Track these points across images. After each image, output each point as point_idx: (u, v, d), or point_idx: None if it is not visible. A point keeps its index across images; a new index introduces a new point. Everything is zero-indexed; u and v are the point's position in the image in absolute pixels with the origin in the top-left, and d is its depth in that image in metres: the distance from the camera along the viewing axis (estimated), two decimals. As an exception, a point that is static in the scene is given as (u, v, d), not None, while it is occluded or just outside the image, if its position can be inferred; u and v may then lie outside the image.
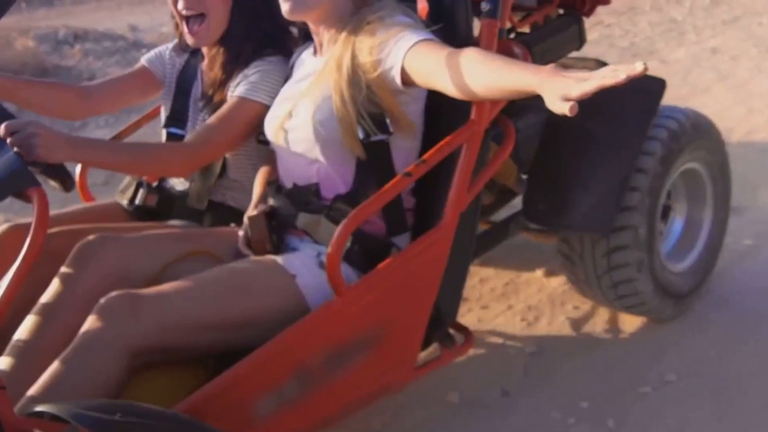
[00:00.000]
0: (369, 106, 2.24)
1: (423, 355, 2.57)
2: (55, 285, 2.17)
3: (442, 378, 2.96)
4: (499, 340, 3.31)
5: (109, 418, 1.64)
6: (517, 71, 1.81)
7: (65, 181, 2.24)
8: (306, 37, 2.56)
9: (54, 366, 1.98)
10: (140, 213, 2.80)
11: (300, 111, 2.33)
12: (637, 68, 1.49)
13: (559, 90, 1.61)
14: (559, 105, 1.61)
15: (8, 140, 2.08)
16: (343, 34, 2.29)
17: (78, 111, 2.79)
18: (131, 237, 2.32)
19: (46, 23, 8.94)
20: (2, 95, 2.63)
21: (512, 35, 3.11)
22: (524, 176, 3.09)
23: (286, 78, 2.55)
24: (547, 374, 3.07)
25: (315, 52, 2.46)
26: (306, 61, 2.49)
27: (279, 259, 2.28)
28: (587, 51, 5.82)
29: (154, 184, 2.84)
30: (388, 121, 2.27)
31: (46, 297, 2.16)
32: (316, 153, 2.32)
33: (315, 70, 2.38)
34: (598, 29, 8.29)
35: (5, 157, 2.03)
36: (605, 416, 2.82)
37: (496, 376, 3.06)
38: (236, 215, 2.64)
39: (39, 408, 1.72)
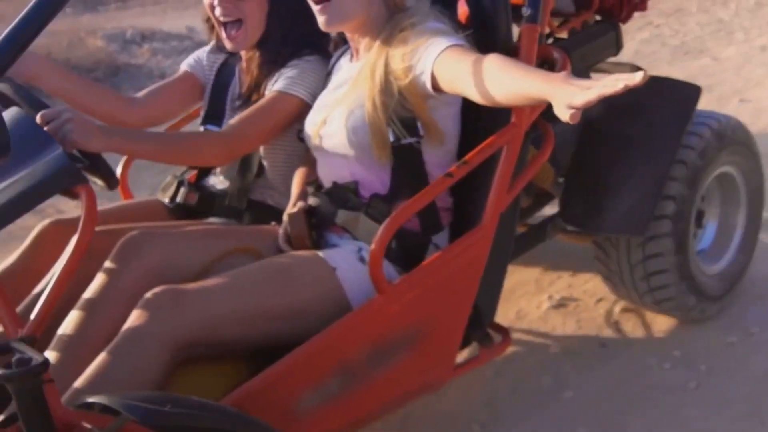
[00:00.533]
0: (401, 111, 2.28)
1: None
2: (98, 280, 2.21)
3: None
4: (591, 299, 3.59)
5: (159, 409, 1.68)
6: (531, 79, 1.84)
7: (108, 178, 2.25)
8: (345, 39, 2.61)
9: (99, 359, 2.02)
10: (181, 211, 2.85)
11: (334, 118, 2.38)
12: (636, 78, 1.51)
13: (565, 98, 1.64)
14: (563, 112, 1.64)
15: (45, 128, 2.10)
16: (378, 42, 2.34)
17: (129, 120, 2.81)
18: (174, 233, 2.36)
19: (112, 24, 9.12)
20: (66, 91, 2.67)
21: (551, 40, 3.14)
22: (561, 180, 3.12)
23: (325, 82, 2.60)
24: (641, 329, 3.31)
25: (351, 58, 2.50)
26: (343, 67, 2.54)
27: (320, 252, 2.32)
28: (641, 48, 6.33)
29: (195, 182, 2.89)
30: (419, 125, 2.31)
31: (89, 292, 2.19)
32: (352, 158, 2.37)
33: (350, 76, 2.42)
34: (649, 29, 8.47)
35: (52, 155, 2.06)
36: (697, 362, 3.12)
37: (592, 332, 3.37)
38: (275, 214, 2.68)
39: (89, 399, 1.76)
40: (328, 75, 2.61)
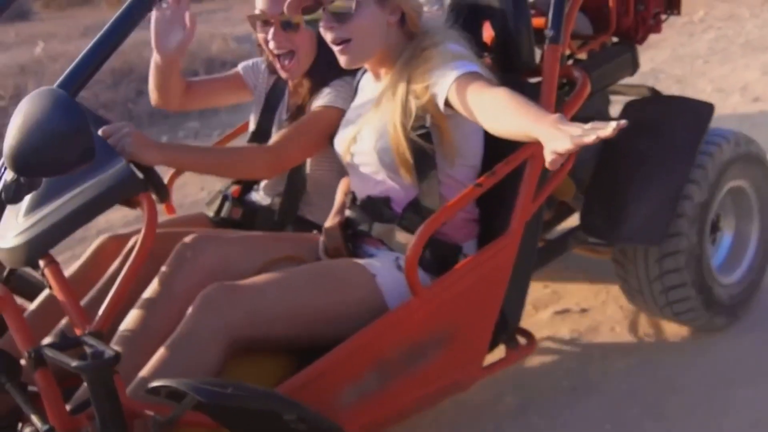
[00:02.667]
0: (421, 129, 2.42)
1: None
2: (158, 281, 2.37)
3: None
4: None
5: (222, 391, 1.84)
6: (526, 119, 1.97)
7: (160, 190, 2.39)
8: None
9: (160, 352, 2.18)
10: (225, 224, 3.01)
11: (364, 137, 2.53)
12: (608, 130, 1.68)
13: (550, 143, 1.79)
14: (547, 155, 1.80)
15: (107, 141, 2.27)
16: (399, 63, 2.49)
17: (176, 101, 3.01)
18: (228, 238, 2.52)
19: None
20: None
21: (571, 61, 3.31)
22: (581, 194, 3.28)
23: (353, 98, 2.77)
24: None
25: (375, 78, 2.65)
26: (367, 86, 2.69)
27: (360, 260, 2.48)
28: (713, 45, 7.84)
29: (238, 197, 3.06)
30: (435, 140, 2.45)
31: (149, 292, 2.35)
32: (382, 175, 2.53)
33: (375, 96, 2.57)
34: (713, 31, 9.34)
35: (115, 167, 2.24)
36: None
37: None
38: (314, 228, 2.86)
39: (156, 383, 1.91)
40: (355, 93, 2.77)
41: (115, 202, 2.25)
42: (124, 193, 2.22)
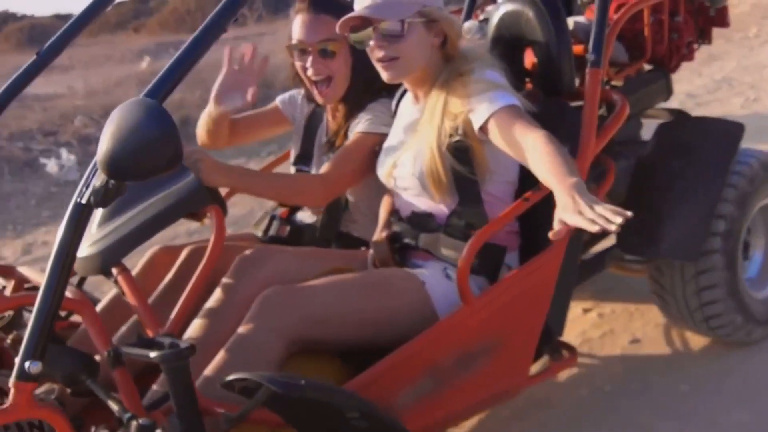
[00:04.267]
0: (457, 149, 2.54)
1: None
2: (219, 291, 2.49)
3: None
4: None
5: (296, 383, 1.96)
6: (551, 176, 2.12)
7: (222, 206, 2.50)
8: None
9: (224, 351, 2.30)
10: (273, 243, 3.12)
11: (404, 162, 2.66)
12: (612, 225, 1.88)
13: (560, 212, 1.96)
14: (556, 222, 1.96)
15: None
16: (438, 85, 2.61)
17: (223, 142, 3.15)
18: (284, 251, 2.66)
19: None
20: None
21: (607, 87, 3.44)
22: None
23: (392, 120, 2.88)
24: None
25: (412, 99, 2.78)
26: (406, 110, 2.81)
27: (410, 270, 2.61)
28: None
29: (286, 217, 3.20)
30: (473, 160, 2.57)
31: (211, 302, 2.48)
32: (424, 196, 2.64)
33: (414, 120, 2.70)
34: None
35: (184, 180, 2.39)
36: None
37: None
38: (359, 244, 2.98)
39: (232, 377, 2.01)
40: (394, 115, 2.90)
41: (184, 213, 2.39)
42: (193, 205, 2.37)
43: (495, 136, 2.42)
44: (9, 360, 2.50)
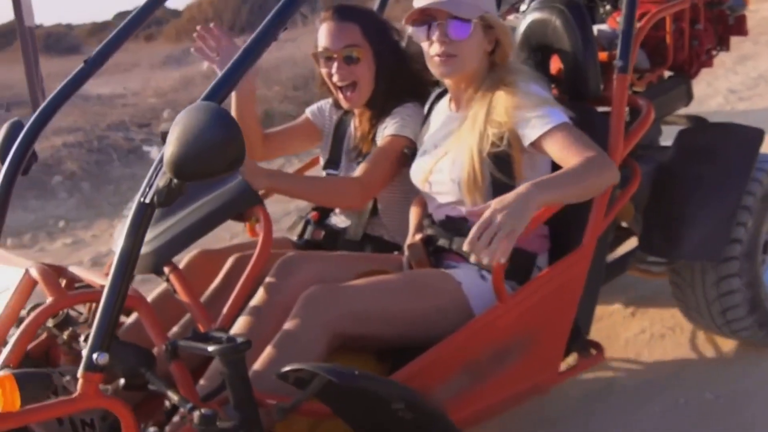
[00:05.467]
0: (497, 156, 2.65)
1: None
2: (262, 292, 2.58)
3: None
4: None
5: (350, 372, 2.06)
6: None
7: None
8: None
9: (269, 348, 2.39)
10: (308, 247, 3.23)
11: (442, 168, 2.75)
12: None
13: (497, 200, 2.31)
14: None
15: None
16: (480, 92, 2.72)
17: (258, 152, 3.26)
18: (323, 255, 2.77)
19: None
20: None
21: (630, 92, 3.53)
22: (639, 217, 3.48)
23: (423, 122, 2.99)
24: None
25: (451, 105, 2.88)
26: (442, 113, 2.91)
27: (447, 270, 2.70)
28: None
29: (318, 221, 3.29)
30: (513, 167, 2.68)
31: (255, 301, 2.56)
32: (461, 202, 2.74)
33: (453, 126, 2.79)
34: None
35: (233, 182, 2.48)
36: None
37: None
38: (391, 247, 3.07)
39: (287, 368, 2.10)
40: (426, 117, 3.00)
41: (233, 214, 2.49)
42: (242, 206, 2.47)
43: (548, 150, 2.58)
44: (56, 358, 2.59)
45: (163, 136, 2.80)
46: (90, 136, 8.94)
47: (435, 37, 2.66)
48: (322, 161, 3.36)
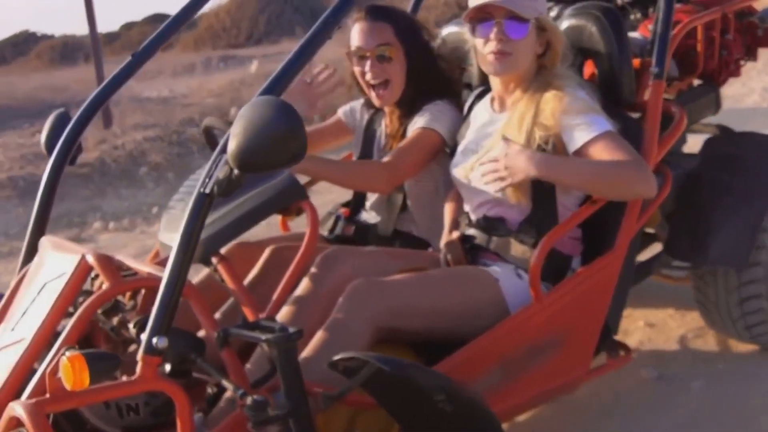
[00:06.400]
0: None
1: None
2: (305, 284, 2.63)
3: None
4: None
5: (400, 361, 2.12)
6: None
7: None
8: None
9: (315, 339, 2.45)
10: (339, 242, 3.28)
11: (483, 167, 2.78)
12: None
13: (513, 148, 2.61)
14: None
15: None
16: (528, 94, 2.78)
17: None
18: (361, 251, 2.83)
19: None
20: None
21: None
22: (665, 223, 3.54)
23: (462, 123, 3.05)
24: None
25: (493, 104, 2.94)
26: (484, 113, 2.96)
27: (484, 268, 2.76)
28: None
29: (349, 216, 3.36)
30: None
31: (298, 293, 2.62)
32: (499, 201, 2.80)
33: (497, 126, 2.85)
34: None
35: (280, 176, 2.55)
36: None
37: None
38: (421, 243, 3.14)
39: (338, 357, 2.17)
40: (466, 116, 3.06)
41: (280, 207, 2.56)
42: (289, 199, 2.54)
43: (591, 156, 2.65)
44: (97, 344, 2.65)
45: (206, 132, 2.88)
46: (167, 131, 9.50)
47: (492, 35, 2.72)
48: (354, 158, 3.43)
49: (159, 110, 10.86)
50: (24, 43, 26.92)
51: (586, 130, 2.65)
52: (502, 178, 2.64)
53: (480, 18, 2.75)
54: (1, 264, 6.05)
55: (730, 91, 3.48)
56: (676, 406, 3.37)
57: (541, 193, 2.74)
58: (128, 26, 32.47)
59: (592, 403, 3.39)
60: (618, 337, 3.07)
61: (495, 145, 2.78)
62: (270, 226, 3.61)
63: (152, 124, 9.89)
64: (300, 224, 3.53)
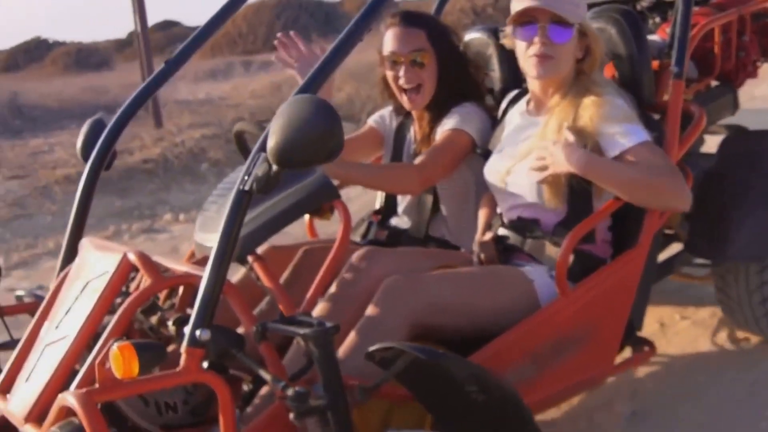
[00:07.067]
0: None
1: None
2: (339, 282, 2.69)
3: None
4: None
5: (436, 351, 2.18)
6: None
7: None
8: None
9: (354, 332, 2.51)
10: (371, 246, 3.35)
11: (520, 171, 2.86)
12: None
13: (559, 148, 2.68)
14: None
15: None
16: (566, 99, 2.83)
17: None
18: (396, 251, 2.88)
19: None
20: None
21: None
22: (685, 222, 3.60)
23: (496, 127, 3.11)
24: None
25: (528, 108, 3.00)
26: (520, 116, 3.02)
27: (518, 268, 2.81)
28: None
29: (381, 222, 3.41)
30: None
31: (332, 290, 2.67)
32: (534, 205, 2.86)
33: (534, 129, 2.90)
34: None
35: (313, 176, 2.60)
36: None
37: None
38: (453, 248, 3.18)
39: (375, 347, 2.22)
40: (500, 120, 3.12)
41: (313, 207, 2.61)
42: (322, 199, 2.59)
43: (626, 162, 2.70)
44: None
45: (237, 136, 2.95)
46: (222, 129, 9.95)
47: (536, 38, 2.77)
48: (385, 162, 3.49)
49: (206, 111, 11.63)
50: (36, 50, 27.17)
51: (624, 138, 2.70)
52: (545, 167, 2.69)
53: (524, 21, 2.80)
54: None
55: (759, 91, 3.51)
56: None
57: (576, 198, 2.79)
58: (134, 34, 32.87)
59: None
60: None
61: (531, 152, 2.82)
62: (303, 226, 3.68)
63: (205, 123, 10.56)
64: (326, 231, 3.62)
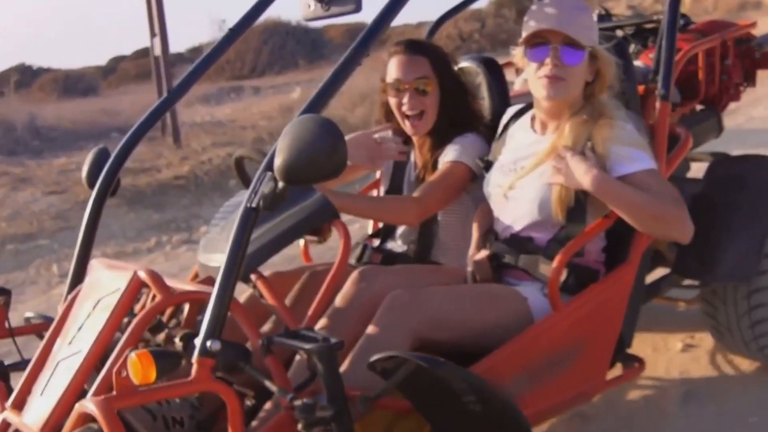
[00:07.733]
0: None
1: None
2: (340, 299, 2.76)
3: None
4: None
5: (437, 359, 2.25)
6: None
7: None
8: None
9: (357, 347, 2.57)
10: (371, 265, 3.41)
11: (523, 187, 2.92)
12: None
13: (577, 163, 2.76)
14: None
15: None
16: (574, 120, 2.87)
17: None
18: (394, 269, 2.95)
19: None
20: None
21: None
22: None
23: (498, 137, 3.18)
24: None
25: (533, 126, 3.05)
26: (525, 134, 3.07)
27: (512, 287, 2.88)
28: None
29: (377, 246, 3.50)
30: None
31: (334, 306, 2.74)
32: (533, 223, 2.92)
33: (539, 147, 2.95)
34: None
35: (312, 197, 2.69)
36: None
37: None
38: None
39: (377, 356, 2.28)
40: (501, 134, 3.18)
41: (313, 227, 2.69)
42: (322, 219, 2.67)
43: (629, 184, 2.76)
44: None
45: (237, 163, 3.03)
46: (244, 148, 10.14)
47: (547, 59, 2.82)
48: (382, 190, 3.57)
49: (222, 132, 12.17)
50: (22, 76, 27.31)
51: (631, 162, 2.77)
52: (560, 171, 2.77)
53: (536, 42, 2.85)
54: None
55: (757, 112, 3.60)
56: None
57: (572, 214, 2.86)
58: (116, 60, 33.09)
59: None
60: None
61: (535, 170, 2.90)
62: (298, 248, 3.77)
63: (228, 142, 11.11)
64: (322, 256, 3.70)
